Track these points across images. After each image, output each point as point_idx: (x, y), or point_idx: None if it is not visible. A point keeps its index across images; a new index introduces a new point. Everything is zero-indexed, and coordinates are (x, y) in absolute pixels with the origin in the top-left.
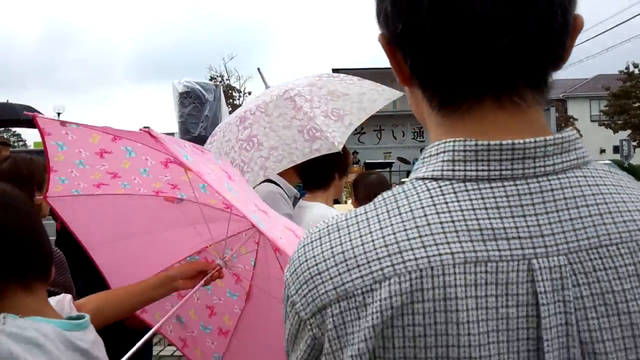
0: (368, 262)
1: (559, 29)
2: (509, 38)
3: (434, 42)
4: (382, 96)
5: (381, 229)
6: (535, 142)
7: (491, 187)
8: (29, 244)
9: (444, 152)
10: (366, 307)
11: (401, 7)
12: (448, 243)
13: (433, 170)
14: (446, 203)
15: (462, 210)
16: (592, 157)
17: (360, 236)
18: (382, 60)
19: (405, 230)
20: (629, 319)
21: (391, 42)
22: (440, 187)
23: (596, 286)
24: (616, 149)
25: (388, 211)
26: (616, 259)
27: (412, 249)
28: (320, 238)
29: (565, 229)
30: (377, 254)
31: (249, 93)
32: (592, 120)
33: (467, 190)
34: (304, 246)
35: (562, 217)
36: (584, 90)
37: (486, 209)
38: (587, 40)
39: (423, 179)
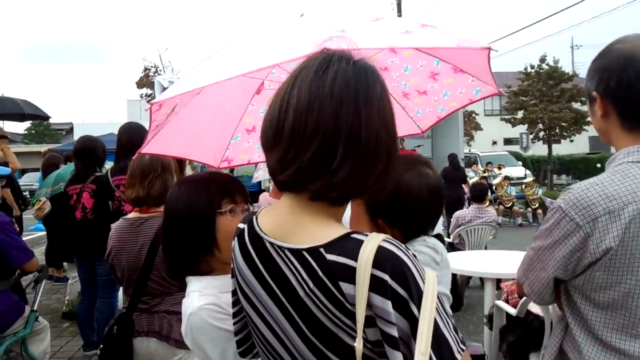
0: (620, 197)
1: None
2: None
3: (634, 95)
4: None
5: (622, 183)
6: None
7: None
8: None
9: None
10: (620, 216)
11: (618, 76)
12: None
13: (637, 159)
14: None
15: None
16: (486, 149)
17: (613, 187)
18: None
19: (634, 183)
20: None
21: (604, 95)
22: None
23: None
24: (507, 141)
25: (622, 177)
26: None
27: (639, 191)
28: (588, 189)
29: None
30: (624, 194)
31: None
32: (485, 115)
33: None
34: (579, 193)
35: None
36: None
37: None
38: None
39: (632, 162)
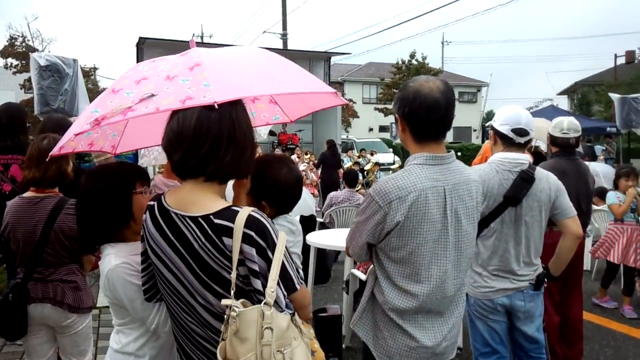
0: (406, 187)
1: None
2: (442, 125)
3: (419, 119)
4: None
5: (408, 178)
6: (446, 154)
7: (435, 167)
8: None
9: (421, 156)
10: (406, 200)
11: (409, 105)
12: (425, 182)
13: (419, 162)
14: (424, 171)
15: (427, 173)
16: (362, 135)
17: (402, 181)
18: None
19: (415, 179)
20: (466, 207)
21: (402, 117)
22: (421, 166)
23: (458, 194)
24: (382, 129)
25: (408, 174)
26: (462, 187)
27: (417, 183)
28: (387, 182)
29: (453, 177)
30: (409, 185)
31: None
32: (363, 103)
33: (428, 167)
34: (381, 184)
35: (452, 174)
36: (358, 75)
37: (434, 172)
38: (366, 36)
39: (415, 164)
